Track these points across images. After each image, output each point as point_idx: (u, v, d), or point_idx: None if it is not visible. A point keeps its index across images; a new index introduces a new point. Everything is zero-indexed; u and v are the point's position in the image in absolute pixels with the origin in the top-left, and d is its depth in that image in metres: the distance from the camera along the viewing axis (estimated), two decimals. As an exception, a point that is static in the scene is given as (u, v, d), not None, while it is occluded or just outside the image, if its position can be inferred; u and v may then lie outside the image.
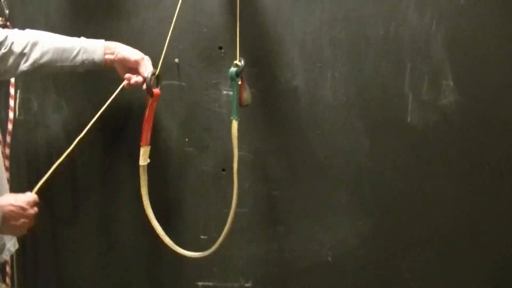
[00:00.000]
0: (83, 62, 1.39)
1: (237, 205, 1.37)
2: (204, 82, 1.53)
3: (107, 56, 1.41)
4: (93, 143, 1.57)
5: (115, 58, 1.42)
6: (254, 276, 1.60)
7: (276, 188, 1.56)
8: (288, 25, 1.51)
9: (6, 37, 1.34)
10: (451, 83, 1.52)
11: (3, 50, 1.32)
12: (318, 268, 1.59)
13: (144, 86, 1.40)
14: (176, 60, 1.52)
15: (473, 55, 1.52)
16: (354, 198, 1.56)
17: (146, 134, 1.44)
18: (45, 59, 1.36)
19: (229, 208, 1.38)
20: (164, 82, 1.51)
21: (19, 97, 1.59)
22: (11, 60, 1.34)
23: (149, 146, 1.45)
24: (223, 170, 1.55)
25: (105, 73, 1.49)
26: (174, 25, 1.47)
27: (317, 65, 1.52)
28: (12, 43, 1.34)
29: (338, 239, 1.58)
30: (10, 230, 1.30)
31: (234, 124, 1.38)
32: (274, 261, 1.60)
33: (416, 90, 1.52)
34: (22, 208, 1.28)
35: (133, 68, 1.44)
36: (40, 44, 1.36)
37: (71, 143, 1.41)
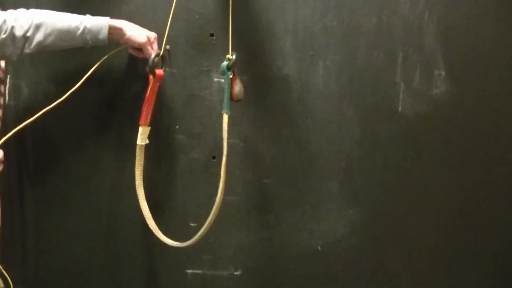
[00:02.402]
0: (87, 41, 1.39)
1: (223, 196, 1.37)
2: (195, 69, 1.53)
3: (111, 36, 1.41)
4: (86, 127, 1.58)
5: (120, 39, 1.42)
6: (244, 265, 1.60)
7: (267, 176, 1.56)
8: (280, 12, 1.51)
9: (4, 21, 1.30)
10: (443, 73, 1.52)
11: (2, 36, 1.29)
12: (308, 256, 1.59)
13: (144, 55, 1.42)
14: (167, 46, 1.51)
15: (465, 45, 1.52)
16: (344, 187, 1.56)
17: (146, 114, 1.45)
18: (48, 41, 1.35)
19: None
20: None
21: (9, 82, 1.58)
22: (13, 44, 1.31)
23: (149, 127, 1.45)
24: (214, 157, 1.55)
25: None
26: (165, 11, 1.47)
27: (309, 53, 1.52)
28: (12, 27, 1.31)
29: (328, 228, 1.58)
30: None
31: (225, 118, 1.37)
32: (264, 250, 1.59)
33: (408, 80, 1.52)
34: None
35: (140, 49, 1.44)
36: (43, 26, 1.34)
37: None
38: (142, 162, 1.46)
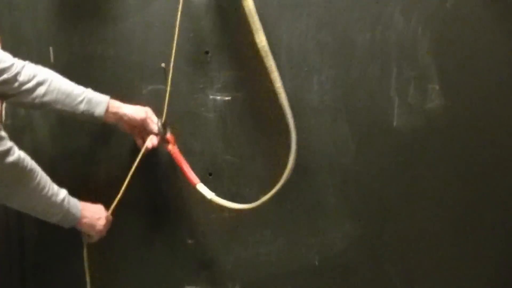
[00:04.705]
0: (83, 112, 1.39)
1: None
2: (190, 86, 1.54)
3: (110, 114, 1.42)
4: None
5: (119, 117, 1.43)
6: (242, 280, 1.60)
7: (263, 192, 1.56)
8: (274, 29, 1.52)
9: (12, 64, 1.33)
10: (437, 87, 1.52)
11: (5, 76, 1.30)
12: (305, 271, 1.59)
13: (154, 142, 1.47)
14: (163, 64, 1.52)
15: (459, 60, 1.52)
16: (340, 202, 1.57)
17: (191, 174, 1.48)
18: (47, 98, 1.36)
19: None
20: (151, 87, 1.52)
21: (5, 101, 1.59)
22: (12, 88, 1.32)
23: (200, 183, 1.47)
24: (210, 174, 1.55)
25: (93, 79, 1.50)
26: (161, 30, 1.48)
27: (304, 69, 1.53)
28: (18, 73, 1.33)
29: (325, 242, 1.58)
30: (88, 225, 1.41)
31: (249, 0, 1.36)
32: (262, 265, 1.60)
33: (402, 94, 1.53)
34: (98, 219, 1.42)
35: (138, 126, 1.46)
36: (46, 83, 1.36)
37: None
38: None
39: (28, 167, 1.24)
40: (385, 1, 1.50)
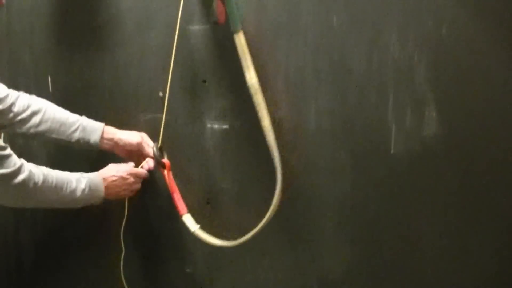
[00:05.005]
0: (78, 140, 1.41)
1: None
2: (188, 115, 1.54)
3: (105, 140, 1.44)
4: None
5: (114, 143, 1.46)
6: (240, 307, 1.61)
7: (261, 219, 1.57)
8: (271, 57, 1.52)
9: (7, 95, 1.35)
10: (434, 114, 1.53)
11: (0, 107, 1.32)
12: (304, 298, 1.59)
13: (151, 164, 1.51)
14: (160, 93, 1.52)
15: (456, 86, 1.52)
16: (339, 228, 1.57)
17: (180, 203, 1.49)
18: (42, 127, 1.38)
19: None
20: (148, 116, 1.52)
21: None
22: (7, 118, 1.34)
23: (189, 213, 1.48)
24: (208, 202, 1.56)
25: (91, 107, 1.50)
26: (158, 58, 1.49)
27: (301, 96, 1.53)
28: (12, 104, 1.34)
29: (323, 269, 1.58)
30: (115, 197, 1.47)
31: (241, 36, 1.38)
32: (260, 292, 1.60)
33: (399, 121, 1.53)
34: (123, 178, 1.45)
35: (135, 151, 1.48)
36: (41, 112, 1.38)
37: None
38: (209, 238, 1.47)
39: (42, 177, 1.27)
40: (381, 28, 1.50)
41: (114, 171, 1.46)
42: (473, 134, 1.53)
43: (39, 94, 1.49)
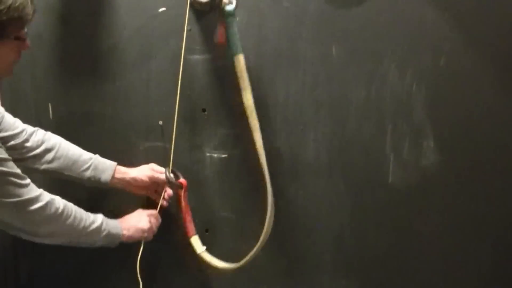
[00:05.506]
0: (89, 178, 1.41)
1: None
2: (187, 144, 1.55)
3: (116, 180, 1.43)
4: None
5: (126, 182, 1.45)
6: (238, 336, 1.61)
7: (259, 248, 1.57)
8: (270, 86, 1.53)
9: (22, 131, 1.36)
10: (432, 144, 1.54)
11: (12, 142, 1.33)
12: (302, 327, 1.60)
13: (169, 192, 1.49)
14: (160, 122, 1.53)
15: (454, 116, 1.54)
16: (336, 258, 1.57)
17: (190, 225, 1.49)
18: (54, 164, 1.38)
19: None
20: (148, 144, 1.53)
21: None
22: (20, 153, 1.34)
23: (197, 235, 1.49)
24: (207, 231, 1.56)
25: (91, 135, 1.51)
26: (159, 87, 1.50)
27: (299, 126, 1.54)
28: (26, 140, 1.35)
29: (322, 298, 1.59)
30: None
31: (241, 58, 1.38)
32: (258, 321, 1.60)
33: (397, 151, 1.54)
34: (143, 231, 1.43)
35: (149, 184, 1.47)
36: (54, 150, 1.38)
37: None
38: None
39: (60, 208, 1.26)
40: (380, 59, 1.52)
41: (129, 215, 1.46)
42: (471, 165, 1.55)
43: (39, 122, 1.49)
